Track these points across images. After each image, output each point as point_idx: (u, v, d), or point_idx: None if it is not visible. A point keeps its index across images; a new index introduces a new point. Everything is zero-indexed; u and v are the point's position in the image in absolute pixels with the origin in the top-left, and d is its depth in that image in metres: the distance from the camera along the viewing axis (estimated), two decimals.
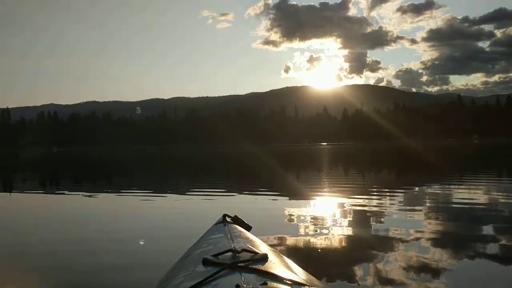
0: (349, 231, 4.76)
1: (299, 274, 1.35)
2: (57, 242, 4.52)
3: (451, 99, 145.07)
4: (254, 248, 1.47)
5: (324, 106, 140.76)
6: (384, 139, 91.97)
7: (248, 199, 8.19)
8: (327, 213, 6.12)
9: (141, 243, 4.26)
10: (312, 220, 5.40)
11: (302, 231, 4.72)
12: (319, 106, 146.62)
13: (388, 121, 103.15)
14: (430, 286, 2.85)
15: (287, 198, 8.17)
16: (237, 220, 2.01)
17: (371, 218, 5.57)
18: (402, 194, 8.26)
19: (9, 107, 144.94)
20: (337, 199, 7.66)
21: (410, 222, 5.15)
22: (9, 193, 10.84)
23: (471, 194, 7.73)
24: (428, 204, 6.73)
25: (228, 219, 2.00)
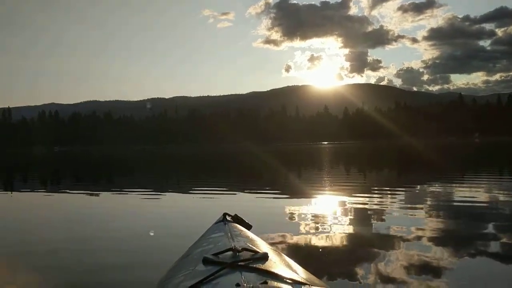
0: (349, 230, 4.75)
1: (299, 273, 1.34)
2: (57, 241, 4.52)
3: (452, 98, 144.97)
4: (254, 247, 1.47)
5: (325, 105, 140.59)
6: (385, 138, 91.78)
7: (248, 198, 8.19)
8: (327, 212, 6.12)
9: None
10: (312, 218, 5.39)
11: (302, 230, 4.71)
12: (320, 105, 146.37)
13: (389, 120, 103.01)
14: (432, 284, 2.85)
15: (288, 197, 8.16)
16: (237, 219, 2.00)
17: (372, 216, 5.56)
18: (403, 193, 8.25)
19: (10, 106, 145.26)
20: (338, 198, 7.65)
21: (411, 220, 5.14)
22: (10, 193, 10.84)
23: (472, 192, 7.72)
24: (429, 203, 6.72)
25: (229, 218, 2.00)
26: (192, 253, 1.64)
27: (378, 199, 7.28)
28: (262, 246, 1.59)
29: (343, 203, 6.90)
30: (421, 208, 6.11)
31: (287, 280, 1.15)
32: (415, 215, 5.60)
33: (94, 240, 4.53)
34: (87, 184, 12.90)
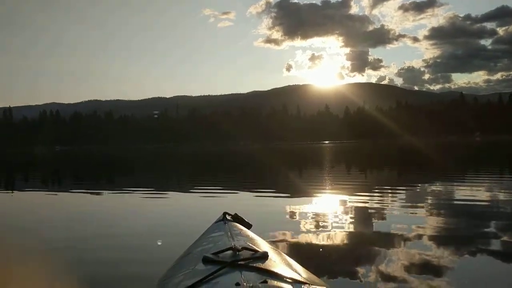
0: (350, 229, 4.75)
1: (299, 272, 1.34)
2: (57, 239, 4.52)
3: (453, 97, 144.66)
4: (254, 246, 1.47)
5: (326, 105, 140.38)
6: (386, 138, 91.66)
7: (248, 197, 8.19)
8: (328, 211, 6.11)
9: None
10: (313, 218, 5.39)
11: (302, 229, 4.71)
12: (321, 104, 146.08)
13: (390, 120, 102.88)
14: (432, 283, 2.84)
15: (288, 196, 8.16)
16: (237, 218, 2.00)
17: (373, 215, 5.56)
18: (403, 192, 8.25)
19: (11, 106, 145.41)
20: (338, 197, 7.65)
21: (411, 219, 5.13)
22: (11, 192, 10.86)
23: (473, 191, 7.71)
24: (430, 202, 6.71)
25: (229, 217, 2.00)
26: (192, 252, 1.64)
27: (379, 198, 7.28)
28: (262, 245, 1.59)
29: (343, 202, 6.90)
30: (422, 207, 6.11)
31: (287, 279, 1.14)
32: (415, 214, 5.60)
33: (93, 239, 4.53)
34: (87, 184, 12.92)
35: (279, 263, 1.34)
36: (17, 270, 3.53)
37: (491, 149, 33.51)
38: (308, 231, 4.58)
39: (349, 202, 6.89)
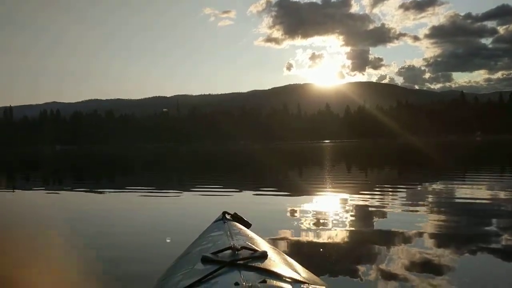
0: (350, 228, 4.74)
1: (299, 271, 1.33)
2: (57, 238, 4.52)
3: (454, 96, 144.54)
4: (253, 246, 1.46)
5: (326, 104, 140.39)
6: (386, 137, 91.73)
7: (248, 196, 8.18)
8: (328, 210, 6.10)
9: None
10: (312, 217, 5.38)
11: (302, 228, 4.70)
12: (322, 103, 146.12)
13: (391, 119, 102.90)
14: (433, 282, 2.83)
15: (288, 195, 8.15)
16: (236, 218, 1.99)
17: (373, 214, 5.55)
18: (404, 191, 8.23)
19: (11, 105, 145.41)
20: (338, 196, 7.65)
21: (412, 218, 5.12)
22: (12, 191, 10.86)
23: (473, 190, 7.70)
24: (430, 201, 6.70)
25: (228, 217, 1.99)
26: (191, 252, 1.63)
27: (379, 197, 7.27)
28: (262, 244, 1.58)
29: (343, 201, 6.89)
30: (422, 206, 6.10)
31: (287, 279, 1.14)
32: (416, 213, 5.59)
33: (93, 238, 4.53)
34: (87, 183, 12.93)
35: (279, 262, 1.33)
36: (17, 270, 3.53)
37: (492, 148, 33.48)
38: (308, 230, 4.57)
39: (350, 201, 6.88)
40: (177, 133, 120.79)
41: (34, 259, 3.74)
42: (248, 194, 8.51)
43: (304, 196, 7.85)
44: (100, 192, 9.56)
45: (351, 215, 5.54)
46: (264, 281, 1.08)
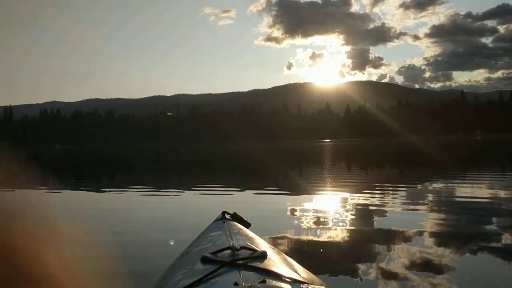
0: (350, 227, 4.73)
1: (298, 271, 1.32)
2: (57, 238, 4.52)
3: (454, 95, 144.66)
4: (253, 246, 1.45)
5: (326, 103, 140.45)
6: (386, 136, 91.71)
7: (247, 196, 8.19)
8: (328, 210, 6.10)
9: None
10: (312, 216, 5.38)
11: (302, 228, 4.69)
12: (322, 102, 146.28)
13: (391, 118, 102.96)
14: (433, 281, 2.83)
15: (288, 194, 8.15)
16: (236, 217, 1.98)
17: (373, 213, 5.55)
18: (404, 190, 8.23)
19: (11, 104, 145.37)
20: (338, 195, 7.64)
21: (412, 217, 5.12)
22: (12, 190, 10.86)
23: (474, 189, 7.71)
24: (430, 200, 6.70)
25: (227, 216, 1.98)
26: (190, 252, 1.63)
27: (379, 196, 7.26)
28: (261, 244, 1.58)
29: (343, 200, 6.89)
30: (423, 205, 6.10)
31: (286, 279, 1.13)
32: (416, 212, 5.59)
33: (92, 237, 4.52)
34: (87, 182, 12.93)
35: (278, 262, 1.33)
36: (17, 270, 3.53)
37: (492, 147, 33.48)
38: (308, 230, 4.56)
39: (350, 200, 6.88)
40: (177, 132, 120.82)
41: (34, 259, 3.74)
42: (248, 194, 8.51)
43: (304, 196, 7.85)
44: (100, 191, 9.56)
45: (351, 214, 5.54)
46: (264, 281, 1.07)
